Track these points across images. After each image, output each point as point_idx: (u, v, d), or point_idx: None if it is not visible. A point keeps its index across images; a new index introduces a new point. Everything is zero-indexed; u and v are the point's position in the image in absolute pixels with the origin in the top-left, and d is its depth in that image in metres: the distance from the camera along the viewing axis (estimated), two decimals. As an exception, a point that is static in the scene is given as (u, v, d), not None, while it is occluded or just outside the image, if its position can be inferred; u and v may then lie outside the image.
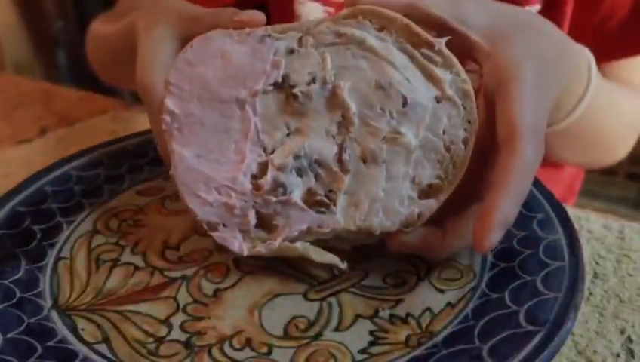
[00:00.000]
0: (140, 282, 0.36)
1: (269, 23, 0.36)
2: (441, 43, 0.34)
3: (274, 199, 0.34)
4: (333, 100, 0.34)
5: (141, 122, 0.64)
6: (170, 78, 0.35)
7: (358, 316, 0.33)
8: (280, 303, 0.34)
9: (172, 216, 0.41)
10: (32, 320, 0.33)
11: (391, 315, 0.33)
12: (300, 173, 0.34)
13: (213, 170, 0.35)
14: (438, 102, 0.34)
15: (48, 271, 0.36)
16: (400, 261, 0.36)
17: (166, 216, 0.42)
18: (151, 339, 0.32)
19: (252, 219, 0.35)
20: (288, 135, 0.34)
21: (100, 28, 0.62)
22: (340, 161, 0.34)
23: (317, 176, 0.34)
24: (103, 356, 0.30)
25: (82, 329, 0.32)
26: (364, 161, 0.34)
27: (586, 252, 0.41)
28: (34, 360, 0.30)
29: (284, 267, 0.36)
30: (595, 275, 0.40)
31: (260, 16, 0.36)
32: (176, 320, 0.33)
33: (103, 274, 0.36)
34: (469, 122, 0.33)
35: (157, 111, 0.36)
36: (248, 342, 0.31)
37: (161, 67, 0.37)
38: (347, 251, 0.35)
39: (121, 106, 0.72)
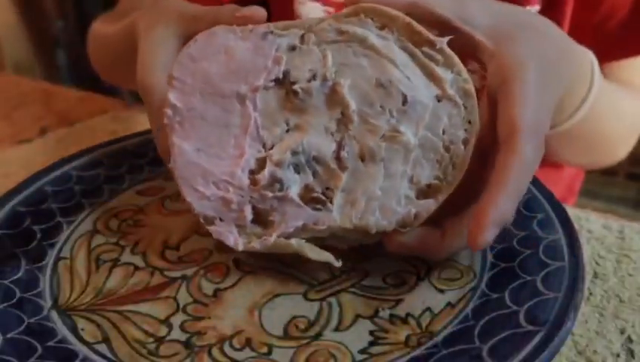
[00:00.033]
0: (140, 282, 0.36)
1: (269, 22, 0.36)
2: (442, 42, 0.34)
3: (270, 194, 0.34)
4: (333, 97, 0.34)
5: (141, 122, 0.64)
6: (174, 72, 0.35)
7: (358, 316, 0.33)
8: (280, 303, 0.34)
9: (172, 216, 0.41)
10: (32, 320, 0.33)
11: (391, 315, 0.33)
12: (297, 169, 0.34)
13: (212, 165, 0.35)
14: (438, 101, 0.33)
15: (48, 271, 0.36)
16: (400, 261, 0.36)
17: (166, 216, 0.42)
18: (151, 339, 0.32)
19: (248, 214, 0.35)
20: (287, 131, 0.34)
21: (101, 28, 0.62)
22: (338, 158, 0.34)
23: (314, 173, 0.34)
24: (103, 356, 0.30)
25: (82, 329, 0.32)
26: (363, 159, 0.34)
27: (586, 252, 0.41)
28: (34, 360, 0.30)
29: (284, 267, 0.36)
30: (595, 275, 0.40)
31: (260, 11, 0.36)
32: (176, 320, 0.33)
33: (103, 274, 0.36)
34: (470, 122, 0.33)
35: (157, 110, 0.36)
36: (248, 342, 0.31)
37: (161, 66, 0.37)
38: (347, 251, 0.35)
39: (121, 106, 0.72)
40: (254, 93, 0.35)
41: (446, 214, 0.34)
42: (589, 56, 0.45)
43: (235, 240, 0.35)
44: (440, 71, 0.34)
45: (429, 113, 0.33)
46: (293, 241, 0.34)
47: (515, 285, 0.33)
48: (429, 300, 0.33)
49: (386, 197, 0.33)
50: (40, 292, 0.35)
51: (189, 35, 0.36)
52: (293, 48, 0.35)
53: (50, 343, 0.31)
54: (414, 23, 0.34)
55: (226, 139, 0.35)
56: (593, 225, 0.45)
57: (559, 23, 0.57)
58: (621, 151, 0.60)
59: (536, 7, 0.57)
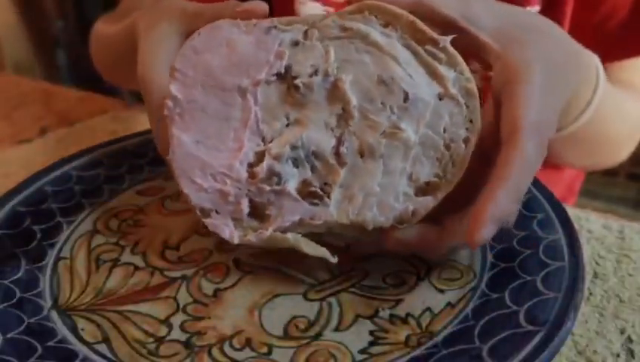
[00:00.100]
0: (140, 282, 0.36)
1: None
2: (446, 40, 0.34)
3: (268, 188, 0.34)
4: (334, 93, 0.34)
5: (141, 122, 0.64)
6: (176, 64, 0.35)
7: (358, 316, 0.33)
8: (280, 303, 0.34)
9: (172, 216, 0.41)
10: (32, 320, 0.33)
11: (391, 315, 0.33)
12: (296, 163, 0.34)
13: (211, 157, 0.35)
14: (440, 99, 0.33)
15: (48, 271, 0.36)
16: (400, 261, 0.36)
17: (166, 216, 0.42)
18: (151, 339, 0.32)
19: (245, 207, 0.34)
20: (287, 125, 0.34)
21: (103, 28, 0.62)
22: (337, 153, 0.34)
23: (313, 168, 0.34)
24: (103, 356, 0.30)
25: (82, 329, 0.32)
26: (362, 155, 0.34)
27: (586, 252, 0.41)
28: (34, 360, 0.30)
29: (284, 267, 0.36)
30: (595, 275, 0.40)
31: (261, 6, 0.36)
32: (176, 320, 0.33)
33: (103, 274, 0.36)
34: (471, 121, 0.33)
35: (156, 106, 0.36)
36: (248, 342, 0.31)
37: (163, 62, 0.37)
38: (347, 250, 0.35)
39: (121, 106, 0.72)
40: (255, 86, 0.35)
41: (446, 213, 0.33)
42: (594, 60, 0.45)
43: (230, 233, 0.34)
44: (442, 69, 0.34)
45: (430, 111, 0.33)
46: (290, 236, 0.33)
47: (515, 285, 0.33)
48: (429, 300, 0.33)
49: (384, 194, 0.33)
50: (40, 292, 0.35)
51: (191, 32, 0.37)
52: (296, 43, 0.35)
53: (50, 343, 0.31)
54: (418, 21, 0.34)
55: (225, 132, 0.35)
56: (593, 225, 0.45)
57: (559, 23, 0.57)
58: (624, 153, 0.60)
59: (536, 8, 0.57)
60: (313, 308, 0.33)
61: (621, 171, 1.55)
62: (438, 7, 0.35)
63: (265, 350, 0.31)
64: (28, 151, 0.61)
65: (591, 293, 0.38)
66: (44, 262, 0.37)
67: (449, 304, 0.33)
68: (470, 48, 0.35)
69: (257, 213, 0.35)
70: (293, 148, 0.34)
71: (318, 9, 0.60)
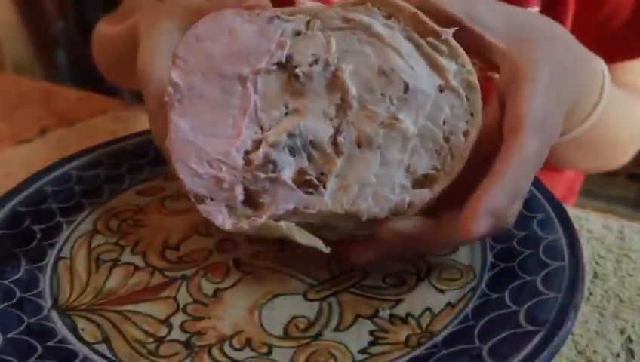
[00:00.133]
0: (140, 282, 0.36)
1: None
2: (448, 33, 0.34)
3: (263, 175, 0.33)
4: (334, 83, 0.34)
5: (141, 122, 0.64)
6: (178, 51, 0.35)
7: (358, 316, 0.33)
8: (280, 303, 0.34)
9: (172, 216, 0.41)
10: (32, 320, 0.33)
11: (391, 315, 0.33)
12: (293, 152, 0.34)
13: (208, 143, 0.34)
14: (441, 91, 0.33)
15: (48, 271, 0.36)
16: (400, 261, 0.36)
17: (166, 216, 0.42)
18: (151, 339, 0.32)
19: (239, 194, 0.34)
20: (286, 114, 0.34)
21: (105, 29, 0.62)
22: (334, 143, 0.33)
23: (310, 157, 0.34)
24: (103, 356, 0.30)
25: (82, 329, 0.32)
26: (359, 145, 0.33)
27: (586, 252, 0.41)
28: (34, 360, 0.30)
29: (284, 267, 0.36)
30: (595, 275, 0.40)
31: (265, 2, 0.36)
32: (176, 320, 0.33)
33: (103, 274, 0.36)
34: (472, 115, 0.33)
35: (154, 100, 0.36)
36: (248, 342, 0.31)
37: (163, 57, 0.37)
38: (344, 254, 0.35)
39: (121, 106, 0.72)
40: (256, 75, 0.35)
41: (445, 208, 0.33)
42: (599, 63, 0.45)
43: (223, 219, 0.34)
44: (444, 61, 0.33)
45: (430, 103, 0.33)
46: (283, 224, 0.33)
47: (515, 285, 0.33)
48: (429, 300, 0.33)
49: (380, 185, 0.33)
50: (40, 292, 0.35)
51: None
52: (298, 33, 0.35)
53: (50, 343, 0.31)
54: (420, 13, 0.34)
55: (223, 120, 0.35)
56: (593, 225, 0.45)
57: (561, 23, 0.57)
58: (629, 155, 0.59)
59: (536, 8, 0.57)
60: (313, 308, 0.33)
61: (621, 171, 1.55)
62: (443, 5, 0.35)
63: (265, 350, 0.31)
64: (28, 151, 0.61)
65: (591, 293, 0.38)
66: (44, 262, 0.37)
67: (449, 304, 0.33)
68: (474, 47, 0.35)
69: (252, 200, 0.34)
70: (291, 136, 0.34)
71: None
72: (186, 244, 0.39)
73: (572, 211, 0.45)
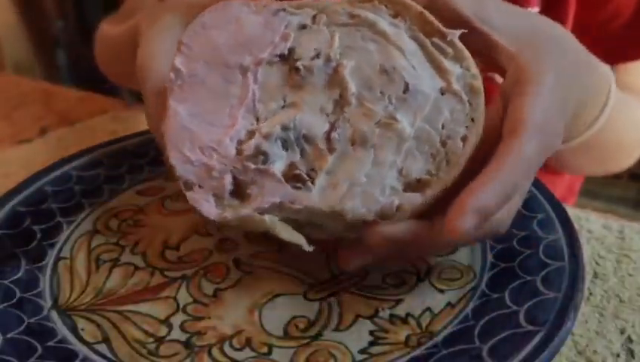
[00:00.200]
0: (140, 282, 0.36)
1: None
2: (454, 34, 0.33)
3: (253, 166, 0.33)
4: (334, 78, 0.34)
5: (141, 122, 0.64)
6: (183, 37, 0.35)
7: (358, 316, 0.33)
8: (280, 303, 0.34)
9: (172, 216, 0.41)
10: (32, 320, 0.33)
11: (391, 315, 0.33)
12: (285, 145, 0.33)
13: (203, 131, 0.34)
14: (442, 94, 0.33)
15: (48, 271, 0.36)
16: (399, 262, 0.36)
17: (166, 216, 0.42)
18: (151, 339, 0.32)
19: (228, 184, 0.33)
20: (283, 107, 0.34)
21: (107, 30, 0.62)
22: (328, 139, 0.33)
23: (302, 152, 0.33)
24: (103, 356, 0.30)
25: (82, 329, 0.32)
26: (353, 143, 0.33)
27: (586, 252, 0.41)
28: (34, 360, 0.30)
29: (284, 267, 0.36)
30: (595, 275, 0.40)
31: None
32: (176, 320, 0.33)
33: (103, 274, 0.36)
34: (473, 120, 0.32)
35: (152, 96, 0.36)
36: (248, 342, 0.31)
37: (163, 52, 0.37)
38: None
39: (121, 106, 0.72)
40: (257, 66, 0.34)
41: (441, 215, 0.31)
42: (605, 68, 0.44)
43: (209, 208, 0.33)
44: (448, 64, 0.33)
45: (429, 105, 0.33)
46: (267, 218, 0.32)
47: (515, 285, 0.33)
48: (429, 300, 0.33)
49: (370, 185, 0.32)
50: (40, 292, 0.35)
51: None
52: (303, 27, 0.35)
53: (50, 343, 0.31)
54: (427, 13, 0.34)
55: (221, 108, 0.34)
56: (593, 225, 0.45)
57: (561, 23, 0.57)
58: (634, 158, 0.59)
59: (536, 9, 0.57)
60: (313, 308, 0.33)
61: (624, 172, 1.55)
62: (453, 3, 0.34)
63: (265, 350, 0.31)
64: (28, 151, 0.61)
65: (591, 293, 0.38)
66: (44, 262, 0.37)
67: (449, 304, 0.33)
68: (481, 48, 0.35)
69: (240, 191, 0.34)
70: (285, 128, 0.33)
71: None
72: (186, 244, 0.39)
73: (572, 211, 0.45)
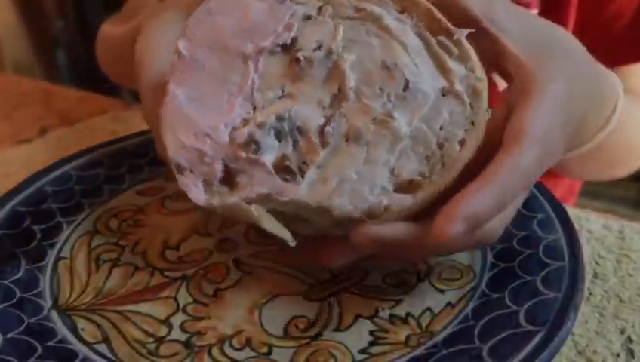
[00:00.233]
0: (140, 282, 0.36)
1: None
2: (462, 33, 0.32)
3: (244, 155, 0.32)
4: (334, 71, 0.33)
5: (141, 122, 0.64)
6: (189, 22, 0.35)
7: (358, 316, 0.33)
8: (280, 303, 0.34)
9: (172, 216, 0.41)
10: (32, 320, 0.33)
11: (391, 315, 0.33)
12: (279, 136, 0.33)
13: (200, 115, 0.34)
14: (443, 94, 0.32)
15: (48, 271, 0.36)
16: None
17: (166, 216, 0.42)
18: (151, 339, 0.32)
19: (218, 170, 0.33)
20: (281, 97, 0.34)
21: (109, 30, 0.62)
22: (321, 132, 0.32)
23: (295, 144, 0.33)
24: (103, 356, 0.30)
25: (82, 329, 0.32)
26: (347, 139, 0.32)
27: (586, 252, 0.41)
28: (34, 360, 0.30)
29: (284, 267, 0.36)
30: (595, 275, 0.40)
31: None
32: (176, 320, 0.33)
33: (103, 274, 0.36)
34: (473, 123, 0.31)
35: (149, 91, 0.36)
36: (248, 342, 0.31)
37: (161, 47, 0.37)
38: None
39: (121, 106, 0.72)
40: (258, 54, 0.34)
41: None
42: (613, 77, 0.44)
43: (197, 193, 0.33)
44: (452, 64, 0.32)
45: (429, 104, 0.32)
46: (253, 208, 0.32)
47: (515, 285, 0.33)
48: (429, 300, 0.33)
49: (360, 183, 0.31)
50: (40, 292, 0.35)
51: None
52: (308, 18, 0.34)
53: (50, 343, 0.31)
54: (435, 10, 0.33)
55: (220, 95, 0.34)
56: (593, 225, 0.45)
57: (562, 25, 0.56)
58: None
59: (535, 11, 0.56)
60: (313, 308, 0.33)
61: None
62: (462, 1, 0.34)
63: (265, 350, 0.31)
64: (28, 151, 0.61)
65: (591, 293, 0.38)
66: (44, 262, 0.37)
67: (449, 304, 0.33)
68: (488, 51, 0.34)
69: (230, 179, 0.33)
70: (280, 119, 0.33)
71: None
72: (186, 244, 0.39)
73: (572, 211, 0.45)
